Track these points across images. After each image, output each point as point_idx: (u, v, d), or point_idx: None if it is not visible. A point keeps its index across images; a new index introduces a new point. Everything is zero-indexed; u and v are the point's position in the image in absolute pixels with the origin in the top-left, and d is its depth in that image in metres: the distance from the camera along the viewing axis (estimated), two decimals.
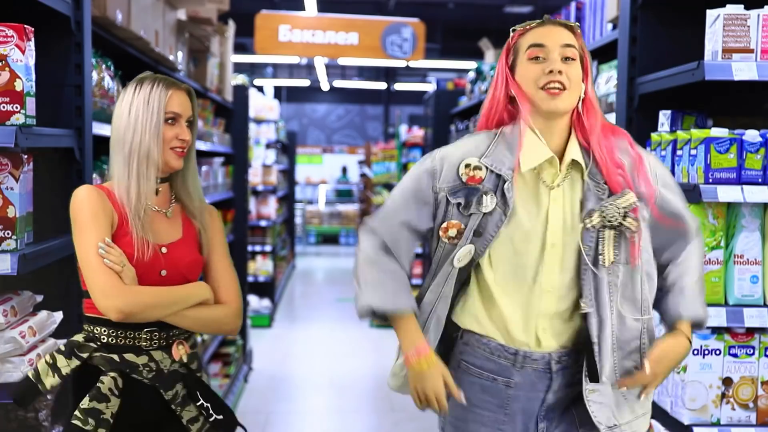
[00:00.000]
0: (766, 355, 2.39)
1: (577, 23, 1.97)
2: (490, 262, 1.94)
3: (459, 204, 1.92)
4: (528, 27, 1.92)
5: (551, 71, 1.85)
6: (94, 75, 2.93)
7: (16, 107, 2.17)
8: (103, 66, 3.09)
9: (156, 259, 2.12)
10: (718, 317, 2.34)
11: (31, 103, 2.23)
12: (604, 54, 3.50)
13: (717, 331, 2.39)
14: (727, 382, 2.39)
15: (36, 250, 2.32)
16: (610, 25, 3.41)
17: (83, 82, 2.72)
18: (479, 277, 1.97)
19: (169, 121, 2.15)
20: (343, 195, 18.64)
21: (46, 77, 2.51)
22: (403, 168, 9.48)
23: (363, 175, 14.46)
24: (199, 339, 4.53)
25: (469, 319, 1.99)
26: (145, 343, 2.12)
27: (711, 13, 2.38)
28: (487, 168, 1.91)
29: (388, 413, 5.55)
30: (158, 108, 2.13)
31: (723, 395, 2.39)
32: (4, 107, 2.16)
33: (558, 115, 1.90)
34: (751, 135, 2.35)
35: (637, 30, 2.84)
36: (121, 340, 2.11)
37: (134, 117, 2.13)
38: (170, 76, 4.18)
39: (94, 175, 2.92)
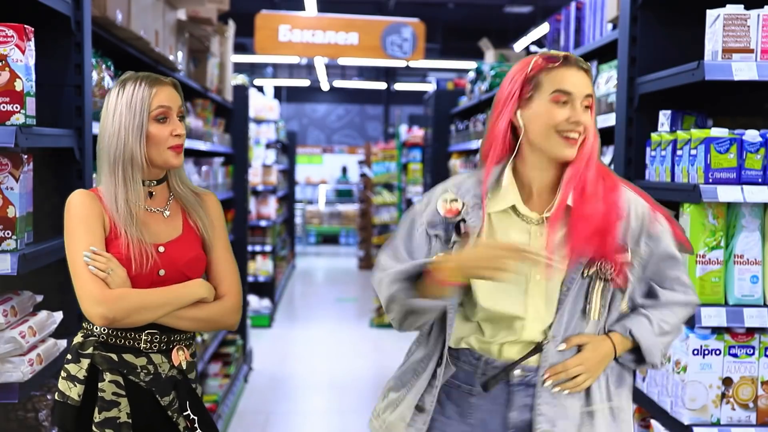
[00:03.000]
0: (766, 355, 2.39)
1: (589, 65, 1.92)
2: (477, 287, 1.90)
3: (437, 236, 1.91)
4: (553, 65, 1.85)
5: (576, 122, 1.83)
6: (94, 75, 2.93)
7: (16, 107, 2.17)
8: (103, 66, 3.09)
9: (153, 259, 2.08)
10: (718, 317, 2.34)
11: (31, 103, 2.23)
12: (604, 54, 3.50)
13: (717, 331, 2.39)
14: (727, 382, 2.39)
15: (36, 250, 2.32)
16: (610, 25, 3.41)
17: (83, 82, 2.72)
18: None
19: (161, 119, 2.09)
20: (343, 195, 18.64)
21: (46, 77, 2.51)
22: (403, 168, 9.47)
23: (363, 175, 14.44)
24: (199, 339, 4.53)
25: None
26: (144, 345, 2.09)
27: (711, 13, 2.38)
28: (462, 200, 1.91)
29: None
30: (141, 109, 2.07)
31: (723, 395, 2.39)
32: (4, 107, 2.16)
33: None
34: (751, 135, 2.35)
35: (637, 30, 2.84)
36: (120, 340, 2.09)
37: (118, 121, 2.08)
38: (170, 75, 4.19)
39: (94, 175, 2.92)
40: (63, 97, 2.69)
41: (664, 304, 1.93)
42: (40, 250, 2.35)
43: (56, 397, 2.11)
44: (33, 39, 2.25)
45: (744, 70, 2.32)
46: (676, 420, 2.44)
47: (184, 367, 2.14)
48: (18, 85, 2.16)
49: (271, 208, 8.93)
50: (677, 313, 1.94)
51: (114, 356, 2.07)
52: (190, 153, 5.12)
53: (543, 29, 10.44)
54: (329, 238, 17.71)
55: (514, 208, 1.90)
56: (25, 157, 2.28)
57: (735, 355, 2.38)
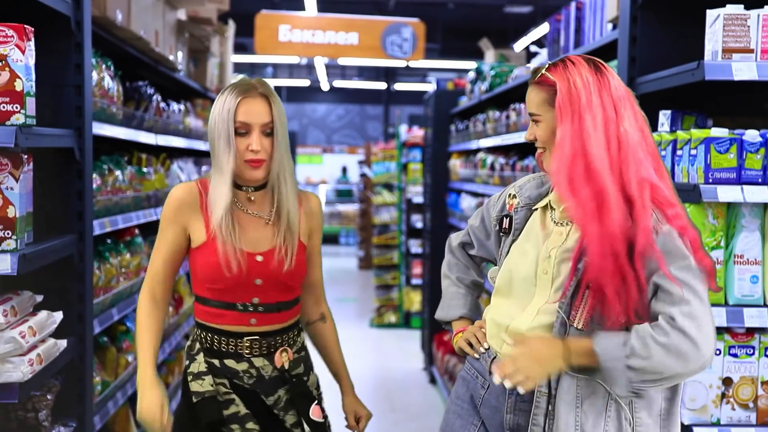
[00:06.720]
0: (766, 355, 2.39)
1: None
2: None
3: (498, 231, 2.07)
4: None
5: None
6: (94, 75, 2.93)
7: (16, 107, 2.17)
8: (103, 66, 3.09)
9: (248, 268, 2.13)
10: (718, 317, 2.34)
11: (31, 103, 2.23)
12: (604, 54, 3.50)
13: (717, 330, 2.38)
14: (727, 382, 2.39)
15: (36, 250, 2.32)
16: (610, 25, 3.41)
17: (83, 82, 2.72)
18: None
19: (241, 132, 2.13)
20: (343, 195, 18.64)
21: (46, 77, 2.51)
22: (403, 168, 9.47)
23: (363, 175, 14.44)
24: None
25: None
26: (246, 351, 2.15)
27: (711, 13, 2.38)
28: (518, 198, 2.04)
29: (388, 413, 5.54)
30: (227, 118, 2.11)
31: (723, 395, 2.39)
32: (4, 107, 2.16)
33: None
34: (751, 135, 2.35)
35: (637, 30, 2.84)
36: (223, 347, 2.15)
37: (213, 125, 2.14)
38: (171, 76, 4.20)
39: (94, 175, 2.93)
40: (63, 97, 2.69)
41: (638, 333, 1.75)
42: (40, 250, 2.35)
43: (193, 400, 2.13)
44: (33, 39, 2.25)
45: (744, 70, 2.32)
46: None
47: (287, 367, 2.19)
48: (18, 85, 2.16)
49: None
50: (651, 349, 1.72)
51: (216, 362, 2.15)
52: (190, 153, 5.12)
53: (543, 29, 10.44)
54: (329, 238, 17.71)
55: (550, 203, 1.99)
56: (25, 157, 2.28)
57: (735, 355, 2.38)
